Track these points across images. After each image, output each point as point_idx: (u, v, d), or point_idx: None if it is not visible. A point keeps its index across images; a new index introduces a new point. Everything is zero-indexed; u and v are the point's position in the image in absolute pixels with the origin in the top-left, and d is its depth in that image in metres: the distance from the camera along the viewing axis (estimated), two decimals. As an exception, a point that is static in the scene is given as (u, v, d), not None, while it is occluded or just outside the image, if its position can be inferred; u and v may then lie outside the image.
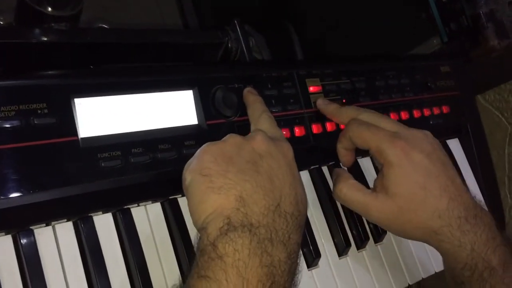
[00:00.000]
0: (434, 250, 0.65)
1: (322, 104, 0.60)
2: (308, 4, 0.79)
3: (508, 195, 1.17)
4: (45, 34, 0.54)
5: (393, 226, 0.53)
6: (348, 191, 0.53)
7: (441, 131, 0.75)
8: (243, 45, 0.66)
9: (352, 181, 0.55)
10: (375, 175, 0.66)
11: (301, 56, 0.69)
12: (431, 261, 0.66)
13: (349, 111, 0.58)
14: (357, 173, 0.63)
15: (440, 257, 0.65)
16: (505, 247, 0.50)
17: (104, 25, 0.64)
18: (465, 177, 0.75)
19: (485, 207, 0.54)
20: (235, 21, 0.67)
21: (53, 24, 0.55)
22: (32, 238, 0.42)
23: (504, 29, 0.78)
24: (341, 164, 0.61)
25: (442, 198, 0.50)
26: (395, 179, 0.51)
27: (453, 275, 0.51)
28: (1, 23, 0.57)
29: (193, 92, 0.52)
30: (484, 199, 0.76)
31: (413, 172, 0.51)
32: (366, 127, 0.54)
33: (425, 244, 0.65)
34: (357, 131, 0.54)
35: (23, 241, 0.42)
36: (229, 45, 0.67)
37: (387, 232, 0.63)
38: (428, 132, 0.55)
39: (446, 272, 0.54)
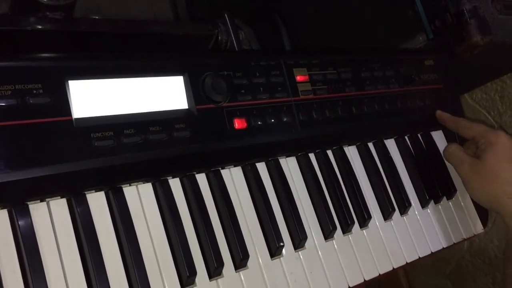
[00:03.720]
0: (419, 235, 0.68)
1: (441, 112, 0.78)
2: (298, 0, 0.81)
3: (495, 192, 1.19)
4: (40, 22, 0.55)
5: (476, 182, 0.69)
6: (455, 148, 0.73)
7: (425, 123, 0.77)
8: (233, 38, 0.69)
9: (458, 145, 0.74)
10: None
11: (289, 48, 0.71)
12: (415, 246, 0.67)
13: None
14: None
15: (424, 243, 0.68)
16: None
17: (97, 17, 0.66)
18: (449, 168, 0.77)
19: None
20: (225, 14, 0.69)
21: (48, 13, 0.56)
22: (27, 213, 0.44)
23: (486, 26, 0.81)
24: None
25: None
26: (491, 151, 0.68)
27: None
28: (-3, 11, 0.59)
29: (183, 77, 0.54)
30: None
31: (505, 150, 0.68)
32: (472, 122, 0.75)
33: (409, 230, 0.68)
34: (468, 123, 0.74)
35: (19, 215, 0.43)
36: (219, 37, 0.69)
37: (372, 217, 0.65)
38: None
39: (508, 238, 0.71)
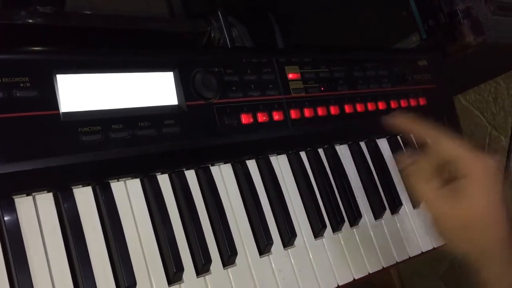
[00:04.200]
0: (409, 235, 0.67)
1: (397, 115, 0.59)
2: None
3: (488, 194, 1.19)
4: (30, 16, 0.55)
5: (456, 232, 0.53)
6: (417, 179, 0.54)
7: (418, 123, 0.77)
8: (226, 35, 0.68)
9: (431, 175, 0.54)
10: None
11: (282, 46, 0.71)
12: (405, 245, 0.67)
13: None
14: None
15: (415, 242, 0.68)
16: None
17: (89, 12, 0.65)
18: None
19: None
20: (219, 12, 0.69)
21: (38, 7, 0.56)
22: (13, 207, 0.44)
23: (479, 26, 0.81)
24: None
25: (508, 225, 0.51)
26: (473, 191, 0.51)
27: None
28: (-13, 5, 0.58)
29: (173, 73, 0.54)
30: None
31: (490, 192, 0.51)
32: (451, 138, 0.55)
33: (400, 230, 0.68)
34: (443, 140, 0.54)
35: (4, 209, 0.43)
36: (212, 34, 0.69)
37: (363, 216, 0.65)
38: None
39: None
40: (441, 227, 0.55)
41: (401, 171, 0.58)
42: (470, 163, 0.52)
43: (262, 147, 0.60)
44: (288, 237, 0.57)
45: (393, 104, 0.72)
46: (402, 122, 0.58)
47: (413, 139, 0.68)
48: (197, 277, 0.51)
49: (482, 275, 0.52)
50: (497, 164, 0.55)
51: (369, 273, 0.63)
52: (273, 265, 0.56)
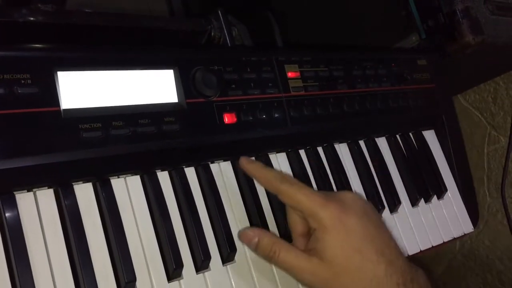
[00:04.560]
0: (408, 234, 0.68)
1: (245, 160, 0.56)
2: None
3: (487, 194, 1.20)
4: (32, 14, 0.55)
5: None
6: (284, 254, 0.50)
7: (417, 122, 0.78)
8: (226, 34, 0.69)
9: (286, 244, 0.51)
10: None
11: (281, 45, 0.72)
12: (404, 244, 0.68)
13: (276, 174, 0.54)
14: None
15: (413, 240, 0.68)
16: None
17: (89, 10, 0.66)
18: (440, 168, 0.77)
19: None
20: (219, 11, 0.69)
21: (39, 5, 0.57)
22: (14, 202, 0.44)
23: (478, 26, 0.81)
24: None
25: (380, 263, 0.49)
26: (330, 243, 0.49)
27: None
28: (-12, 3, 0.59)
29: (173, 71, 0.54)
30: (458, 190, 0.79)
31: (348, 236, 0.49)
32: (298, 188, 0.52)
33: (399, 228, 0.68)
34: (290, 191, 0.52)
35: (5, 205, 0.43)
36: (212, 33, 0.69)
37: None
38: (357, 194, 0.54)
39: None
40: None
41: (253, 250, 0.53)
42: (318, 214, 0.50)
43: (261, 145, 0.60)
44: (288, 234, 0.57)
45: (392, 103, 0.73)
46: (248, 168, 0.55)
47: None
48: (197, 274, 0.51)
49: None
50: (356, 196, 0.54)
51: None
52: (272, 262, 0.56)
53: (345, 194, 0.54)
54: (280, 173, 0.56)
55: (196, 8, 0.80)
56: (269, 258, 0.51)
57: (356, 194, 0.54)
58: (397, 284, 0.48)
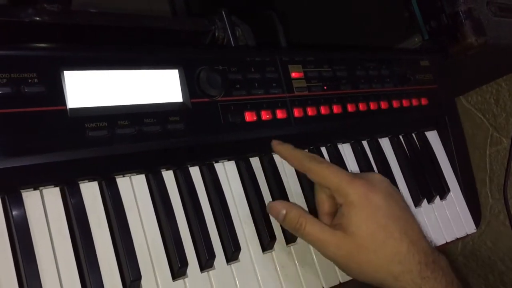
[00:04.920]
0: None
1: (276, 142, 0.58)
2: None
3: (490, 195, 1.20)
4: (38, 14, 0.56)
5: (350, 265, 0.51)
6: (310, 226, 0.52)
7: (420, 123, 0.78)
8: (230, 34, 0.69)
9: (312, 217, 0.53)
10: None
11: (285, 46, 0.72)
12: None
13: (305, 154, 0.57)
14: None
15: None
16: None
17: (94, 10, 0.66)
18: (442, 168, 0.77)
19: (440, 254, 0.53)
20: (222, 11, 0.70)
21: (45, 5, 0.57)
22: (20, 201, 0.44)
23: (481, 27, 0.82)
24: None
25: (403, 241, 0.50)
26: (355, 218, 0.50)
27: None
28: (-5, 3, 0.59)
29: (178, 71, 0.54)
30: (461, 190, 0.79)
31: (373, 212, 0.50)
32: (326, 166, 0.54)
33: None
34: (318, 169, 0.54)
35: (12, 203, 0.44)
36: (216, 33, 0.70)
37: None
38: (383, 177, 0.56)
39: None
40: (342, 268, 0.53)
41: (280, 222, 0.55)
42: (345, 190, 0.51)
43: (265, 144, 0.61)
44: (291, 233, 0.57)
45: (395, 104, 0.73)
46: (279, 149, 0.57)
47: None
48: (201, 272, 0.51)
49: None
50: (383, 178, 0.55)
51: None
52: (275, 261, 0.56)
53: (373, 175, 0.56)
54: (309, 153, 0.57)
55: (197, 9, 0.81)
56: (296, 230, 0.52)
57: (382, 176, 0.56)
58: (419, 262, 0.49)
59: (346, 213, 0.51)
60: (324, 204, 0.55)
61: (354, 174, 0.54)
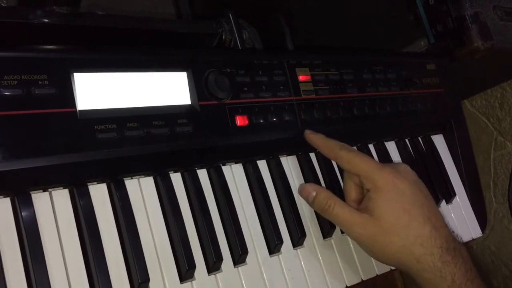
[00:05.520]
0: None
1: (309, 132, 0.61)
2: (301, 1, 0.82)
3: (494, 199, 1.20)
4: (46, 16, 0.56)
5: (374, 246, 0.54)
6: (338, 208, 0.55)
7: (426, 126, 0.78)
8: (237, 37, 0.69)
9: (340, 200, 0.56)
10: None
11: (292, 48, 0.72)
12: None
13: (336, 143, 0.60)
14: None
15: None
16: (481, 280, 0.53)
17: (101, 13, 0.66)
18: (448, 172, 0.77)
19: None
20: (229, 14, 0.70)
21: (54, 7, 0.57)
22: (30, 202, 0.44)
23: (488, 31, 0.82)
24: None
25: (426, 225, 0.53)
26: (381, 201, 0.53)
27: None
28: (4, 5, 0.59)
29: (187, 73, 0.55)
30: (467, 194, 0.79)
31: (399, 197, 0.53)
32: (356, 154, 0.57)
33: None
34: (348, 156, 0.57)
35: (21, 204, 0.44)
36: (223, 36, 0.70)
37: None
38: (410, 168, 0.58)
39: None
40: (366, 250, 0.56)
41: (310, 203, 0.58)
42: (373, 176, 0.54)
43: (272, 147, 0.61)
44: (298, 237, 0.58)
45: (401, 108, 0.73)
46: (312, 139, 0.60)
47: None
48: (209, 275, 0.51)
49: (419, 282, 0.53)
50: (410, 169, 0.58)
51: (377, 274, 0.63)
52: (282, 265, 0.56)
53: (400, 165, 0.59)
54: (339, 142, 0.59)
55: (202, 12, 0.81)
56: (324, 210, 0.56)
57: (407, 166, 0.59)
58: (440, 247, 0.52)
59: (373, 197, 0.54)
60: (351, 191, 0.58)
61: (382, 163, 0.57)
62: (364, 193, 0.57)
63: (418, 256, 0.52)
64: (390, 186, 0.53)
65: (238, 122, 0.57)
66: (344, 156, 0.57)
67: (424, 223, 0.53)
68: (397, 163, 0.60)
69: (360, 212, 0.54)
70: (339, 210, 0.54)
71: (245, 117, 0.57)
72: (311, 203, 0.57)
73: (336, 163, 0.59)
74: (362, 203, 0.56)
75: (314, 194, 0.56)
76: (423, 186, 0.57)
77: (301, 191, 0.59)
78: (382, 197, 0.53)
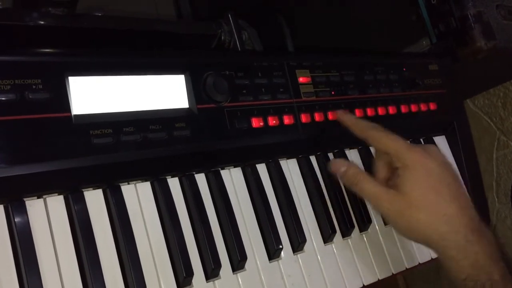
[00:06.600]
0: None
1: (341, 112, 0.63)
2: (302, 2, 0.81)
3: (496, 199, 1.19)
4: (42, 17, 0.55)
5: (400, 221, 0.55)
6: (366, 183, 0.56)
7: (428, 128, 0.77)
8: (236, 38, 0.68)
9: (370, 175, 0.58)
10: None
11: (292, 50, 0.71)
12: (415, 252, 0.67)
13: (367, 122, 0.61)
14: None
15: (424, 248, 0.67)
16: (504, 262, 0.52)
17: (99, 14, 0.65)
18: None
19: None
20: (229, 15, 0.69)
21: (50, 9, 0.56)
22: (24, 209, 0.43)
23: (491, 31, 0.81)
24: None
25: (452, 204, 0.53)
26: (409, 178, 0.54)
27: (455, 285, 0.53)
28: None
29: (184, 76, 0.54)
30: (470, 196, 0.78)
31: (427, 176, 0.54)
32: (386, 133, 0.58)
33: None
34: (379, 135, 0.58)
35: (15, 211, 0.43)
36: (222, 37, 0.69)
37: (372, 221, 0.64)
38: (438, 148, 0.60)
39: (448, 281, 0.55)
40: (393, 225, 0.58)
41: (340, 177, 0.60)
42: (402, 154, 0.55)
43: (272, 151, 0.60)
44: (298, 242, 0.57)
45: (403, 109, 0.72)
46: (344, 119, 0.62)
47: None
48: (207, 282, 0.51)
49: (442, 259, 0.54)
50: (440, 150, 0.59)
51: (378, 279, 0.62)
52: (282, 270, 0.56)
53: (430, 146, 0.60)
54: (370, 122, 0.61)
55: (203, 12, 0.80)
56: (354, 185, 0.57)
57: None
58: (465, 226, 0.52)
59: (401, 175, 0.55)
60: (381, 169, 0.60)
61: (412, 144, 0.58)
62: (392, 172, 0.58)
63: (443, 233, 0.52)
64: (419, 164, 0.54)
65: (237, 125, 0.56)
66: (375, 135, 0.58)
67: (450, 202, 0.53)
68: (427, 144, 0.62)
69: (388, 188, 0.55)
70: (367, 185, 0.56)
71: (244, 120, 0.56)
72: (340, 177, 0.60)
73: (367, 142, 0.60)
74: (391, 180, 0.58)
75: (343, 169, 0.58)
76: (451, 167, 0.57)
77: (331, 166, 0.61)
78: (410, 175, 0.54)
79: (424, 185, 0.54)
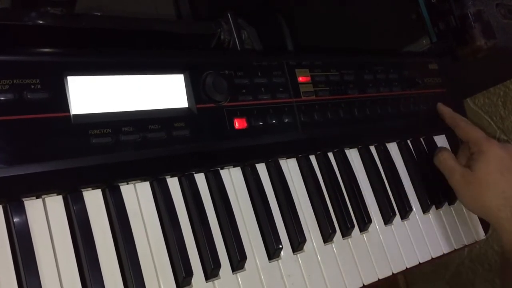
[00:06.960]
0: (419, 241, 0.67)
1: (442, 105, 0.76)
2: (302, 1, 0.81)
3: (496, 198, 1.18)
4: (41, 17, 0.55)
5: (466, 193, 0.68)
6: (448, 160, 0.70)
7: (428, 127, 0.77)
8: (236, 37, 0.68)
9: (450, 152, 0.72)
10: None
11: (292, 49, 0.71)
12: (415, 251, 0.67)
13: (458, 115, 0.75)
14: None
15: (425, 248, 0.67)
16: None
17: (98, 13, 0.65)
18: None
19: None
20: (228, 14, 0.69)
21: (49, 8, 0.56)
22: (22, 209, 0.43)
23: (491, 30, 0.80)
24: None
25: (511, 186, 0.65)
26: (481, 161, 0.67)
27: (508, 254, 0.65)
28: (-2, 6, 0.58)
29: (184, 76, 0.53)
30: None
31: (497, 161, 0.66)
32: (471, 126, 0.72)
33: (410, 235, 0.67)
34: (465, 126, 0.72)
35: (14, 212, 0.43)
36: (222, 36, 0.69)
37: (372, 221, 0.64)
38: None
39: (502, 250, 0.69)
40: (459, 195, 0.69)
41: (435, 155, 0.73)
42: (480, 142, 0.68)
43: (271, 150, 0.60)
44: (298, 241, 0.56)
45: (403, 108, 0.72)
46: (442, 109, 0.75)
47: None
48: (206, 282, 0.50)
49: (496, 229, 0.66)
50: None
51: (378, 279, 0.62)
52: (282, 270, 0.55)
53: (507, 143, 0.74)
54: (462, 116, 0.75)
55: (203, 12, 0.80)
56: (439, 160, 0.72)
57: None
58: None
59: (475, 157, 0.68)
60: (462, 156, 0.72)
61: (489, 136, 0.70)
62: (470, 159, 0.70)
63: (499, 205, 0.64)
64: (492, 152, 0.67)
65: (237, 125, 0.55)
66: (462, 125, 0.72)
67: (511, 184, 0.65)
68: (505, 143, 0.75)
69: (462, 166, 0.69)
70: (446, 159, 0.70)
71: (244, 119, 0.56)
72: (435, 155, 0.73)
73: (454, 130, 0.73)
74: (467, 162, 0.70)
75: (438, 150, 0.74)
76: None
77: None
78: (483, 158, 0.67)
79: (492, 167, 0.66)
